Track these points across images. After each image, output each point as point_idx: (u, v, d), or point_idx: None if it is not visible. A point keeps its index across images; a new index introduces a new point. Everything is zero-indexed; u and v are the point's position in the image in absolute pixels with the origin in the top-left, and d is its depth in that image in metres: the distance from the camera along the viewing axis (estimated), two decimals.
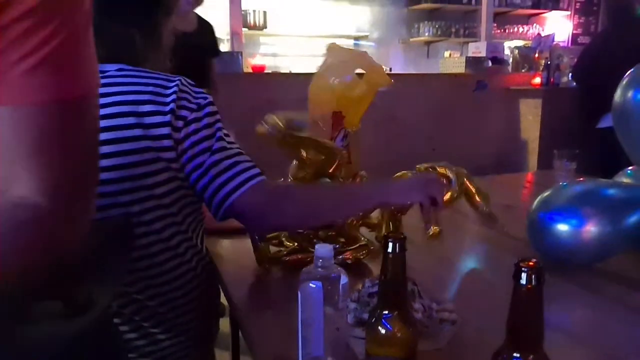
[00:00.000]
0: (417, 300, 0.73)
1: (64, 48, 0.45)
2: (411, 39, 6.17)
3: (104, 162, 0.82)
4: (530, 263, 0.46)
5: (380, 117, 2.72)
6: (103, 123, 0.82)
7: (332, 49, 1.23)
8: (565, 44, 6.36)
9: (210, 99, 0.91)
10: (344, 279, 0.63)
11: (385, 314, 0.56)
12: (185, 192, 0.91)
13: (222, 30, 5.06)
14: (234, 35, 3.66)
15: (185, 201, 0.93)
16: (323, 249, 0.63)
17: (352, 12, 5.87)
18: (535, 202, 1.10)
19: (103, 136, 0.81)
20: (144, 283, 0.91)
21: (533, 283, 0.45)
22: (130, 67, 0.90)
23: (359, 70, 1.22)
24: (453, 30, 6.09)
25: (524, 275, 0.45)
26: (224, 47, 4.97)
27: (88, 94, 0.48)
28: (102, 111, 0.82)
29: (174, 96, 0.86)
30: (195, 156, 0.86)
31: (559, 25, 6.53)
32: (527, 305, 0.46)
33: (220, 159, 0.86)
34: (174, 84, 0.88)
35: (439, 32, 6.03)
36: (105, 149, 0.82)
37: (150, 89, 0.87)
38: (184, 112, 0.86)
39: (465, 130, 3.52)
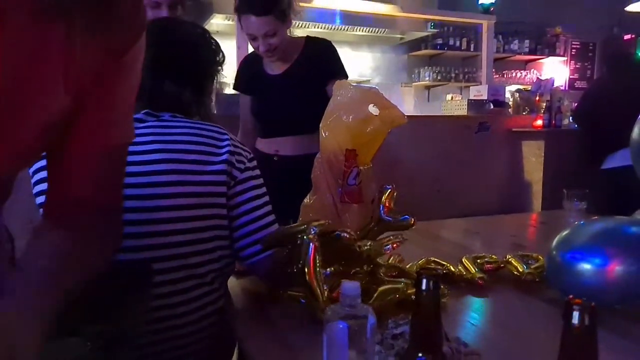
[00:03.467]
0: (445, 343, 0.69)
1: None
2: (412, 84, 6.29)
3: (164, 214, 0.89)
4: (579, 301, 0.43)
5: (383, 158, 2.71)
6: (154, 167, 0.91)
7: (342, 86, 1.23)
8: (563, 88, 6.48)
9: (252, 154, 1.06)
10: (372, 319, 0.59)
11: (419, 358, 0.52)
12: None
13: (228, 71, 5.17)
14: None
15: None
16: (350, 287, 0.59)
17: (354, 58, 6.00)
18: (555, 241, 1.08)
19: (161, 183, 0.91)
20: (161, 329, 0.89)
21: (586, 322, 0.42)
22: (182, 117, 1.00)
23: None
24: (453, 75, 6.22)
25: (576, 314, 0.42)
26: (229, 89, 5.05)
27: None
28: (156, 156, 0.91)
29: (226, 155, 0.97)
30: (243, 209, 1.00)
31: (555, 71, 6.68)
32: (581, 346, 0.43)
33: (259, 215, 1.02)
34: (225, 139, 0.99)
35: (439, 77, 6.16)
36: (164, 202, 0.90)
37: (203, 140, 0.97)
38: (235, 171, 0.98)
39: (469, 172, 3.52)
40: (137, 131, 0.90)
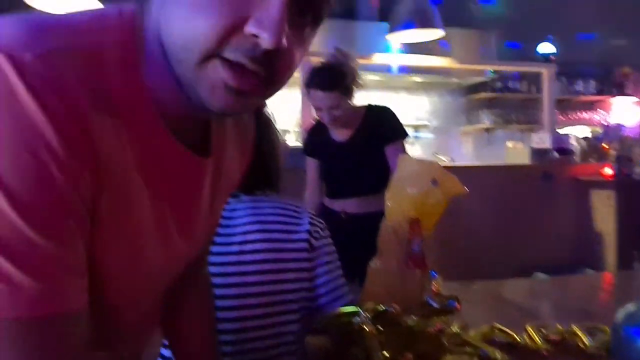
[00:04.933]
0: None
1: None
2: (471, 127, 6.26)
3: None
4: None
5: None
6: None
7: (405, 160, 1.32)
8: (636, 132, 6.20)
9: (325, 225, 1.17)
10: None
11: None
12: None
13: (292, 122, 5.40)
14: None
15: None
16: None
17: (410, 102, 6.09)
18: (620, 314, 1.07)
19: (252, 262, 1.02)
20: None
21: None
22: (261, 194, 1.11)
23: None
24: (514, 117, 6.12)
25: None
26: (292, 139, 5.27)
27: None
28: (251, 228, 1.03)
29: (307, 225, 1.09)
30: (325, 281, 1.10)
31: (625, 111, 6.41)
32: None
33: (338, 285, 1.14)
34: (304, 212, 1.11)
35: (498, 120, 6.08)
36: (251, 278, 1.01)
37: (288, 212, 1.09)
38: (313, 240, 1.09)
39: (533, 224, 3.43)
40: (231, 206, 1.06)
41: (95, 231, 0.46)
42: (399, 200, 1.29)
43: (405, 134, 1.96)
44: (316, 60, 1.96)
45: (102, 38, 0.46)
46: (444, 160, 4.96)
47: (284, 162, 3.28)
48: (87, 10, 0.49)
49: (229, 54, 0.43)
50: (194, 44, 0.43)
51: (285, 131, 5.37)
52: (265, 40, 0.42)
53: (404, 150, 1.94)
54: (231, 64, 0.44)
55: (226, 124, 0.66)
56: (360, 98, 2.01)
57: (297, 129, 4.75)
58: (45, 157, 0.39)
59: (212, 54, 0.44)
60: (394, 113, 1.98)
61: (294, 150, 3.41)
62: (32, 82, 0.39)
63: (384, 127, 1.92)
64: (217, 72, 0.44)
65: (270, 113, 1.27)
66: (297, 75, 4.07)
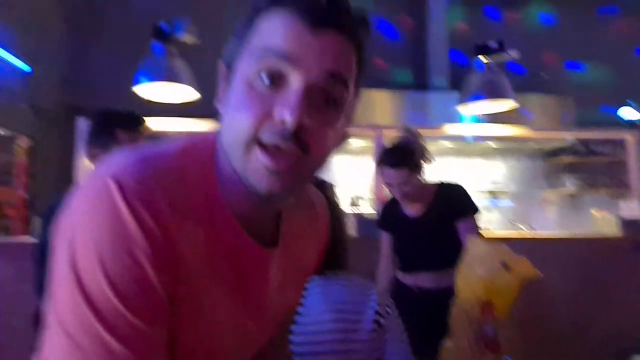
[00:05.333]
0: None
1: None
2: (552, 193, 6.00)
3: None
4: None
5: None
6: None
7: (473, 241, 1.37)
8: None
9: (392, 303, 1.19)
10: None
11: None
12: None
13: (365, 189, 5.52)
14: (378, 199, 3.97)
15: None
16: None
17: (485, 167, 6.00)
18: None
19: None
20: None
21: None
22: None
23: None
24: (599, 181, 5.81)
25: None
26: (366, 206, 5.37)
27: None
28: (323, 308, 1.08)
29: (373, 304, 1.11)
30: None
31: None
32: None
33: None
34: (372, 290, 1.13)
35: (583, 185, 5.80)
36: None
37: (350, 298, 1.12)
38: (381, 319, 1.11)
39: (624, 301, 3.18)
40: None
41: (174, 317, 0.57)
42: (469, 281, 1.33)
43: (477, 210, 2.00)
44: (389, 133, 2.09)
45: (187, 161, 0.61)
46: (524, 229, 4.78)
47: (358, 231, 3.36)
48: (182, 139, 0.65)
49: (265, 137, 0.55)
50: (238, 135, 0.56)
51: (359, 198, 5.49)
52: (289, 121, 0.53)
53: (475, 226, 1.98)
54: (268, 148, 0.55)
55: (297, 213, 0.75)
56: (434, 165, 2.09)
57: (370, 196, 4.84)
58: (139, 258, 0.52)
59: (252, 139, 0.55)
60: (464, 190, 2.04)
61: (367, 219, 3.50)
62: (131, 201, 0.52)
63: (455, 204, 1.98)
64: (258, 158, 0.56)
65: (336, 197, 1.35)
66: (370, 144, 4.23)
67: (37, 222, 4.22)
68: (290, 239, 0.72)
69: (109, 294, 0.50)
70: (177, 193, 0.57)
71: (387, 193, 2.20)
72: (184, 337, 0.59)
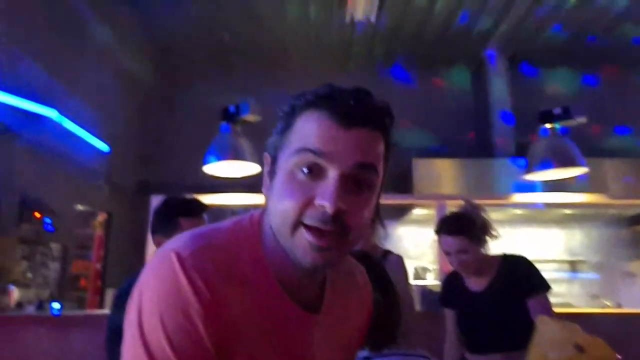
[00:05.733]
0: None
1: None
2: (639, 264, 5.52)
3: None
4: None
5: None
6: None
7: (543, 322, 1.28)
8: None
9: None
10: None
11: None
12: None
13: (430, 260, 5.36)
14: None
15: None
16: None
17: (562, 236, 5.66)
18: None
19: None
20: None
21: None
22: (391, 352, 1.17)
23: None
24: None
25: None
26: (431, 277, 5.19)
27: None
28: None
29: None
30: None
31: None
32: None
33: None
34: None
35: None
36: None
37: None
38: None
39: None
40: None
41: None
42: None
43: (548, 287, 1.85)
44: (453, 202, 2.03)
45: (236, 236, 0.70)
46: (609, 305, 4.38)
47: (422, 305, 3.22)
48: (231, 219, 0.74)
49: (308, 220, 0.63)
50: (284, 218, 0.64)
51: (425, 269, 5.32)
52: (328, 208, 0.62)
53: (549, 305, 1.82)
54: (311, 229, 0.63)
55: (339, 283, 0.80)
56: (504, 234, 1.98)
57: (435, 267, 4.68)
58: (193, 317, 0.60)
59: (297, 222, 0.64)
60: (531, 263, 1.91)
61: (432, 292, 3.36)
62: (188, 270, 0.62)
63: (521, 278, 1.85)
64: (304, 237, 0.64)
65: (405, 269, 1.34)
66: (433, 212, 4.16)
67: (109, 293, 4.43)
68: (333, 305, 0.77)
69: (166, 347, 0.59)
70: (227, 263, 0.65)
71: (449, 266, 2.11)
72: None
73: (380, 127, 0.67)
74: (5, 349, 2.76)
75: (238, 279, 0.65)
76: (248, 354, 0.65)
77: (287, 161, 0.65)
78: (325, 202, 0.62)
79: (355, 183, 0.65)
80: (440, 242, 1.94)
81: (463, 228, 1.87)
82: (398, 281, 2.09)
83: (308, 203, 0.63)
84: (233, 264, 0.66)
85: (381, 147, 0.68)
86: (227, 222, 0.72)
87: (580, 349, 1.19)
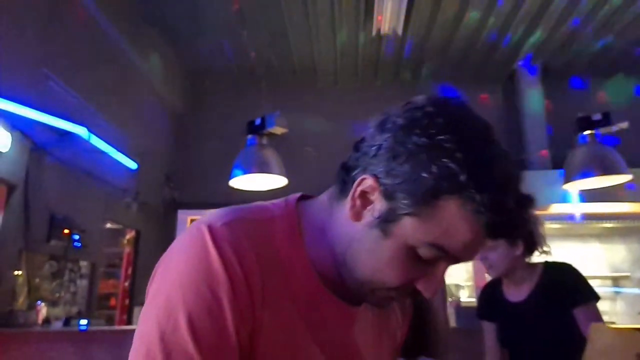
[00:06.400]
0: None
1: None
2: None
3: None
4: None
5: None
6: None
7: (599, 330, 1.15)
8: None
9: None
10: None
11: None
12: None
13: (464, 277, 5.17)
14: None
15: None
16: None
17: (604, 252, 5.40)
18: None
19: None
20: None
21: None
22: None
23: None
24: None
25: None
26: (465, 294, 4.99)
27: None
28: None
29: None
30: None
31: None
32: None
33: None
34: None
35: None
36: None
37: None
38: None
39: None
40: None
41: None
42: None
43: (596, 296, 1.70)
44: None
45: (273, 213, 0.64)
46: None
47: (457, 322, 3.08)
48: (263, 202, 0.68)
49: (394, 294, 0.61)
50: (376, 282, 0.60)
51: (459, 286, 5.13)
52: (426, 295, 0.59)
53: (597, 315, 1.67)
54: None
55: None
56: (554, 249, 1.85)
57: (470, 283, 4.50)
58: (219, 295, 0.54)
59: (387, 289, 0.60)
60: (577, 270, 1.76)
61: (466, 308, 3.20)
62: (218, 240, 0.56)
63: (567, 286, 1.70)
64: (388, 293, 0.61)
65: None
66: None
67: (137, 311, 4.41)
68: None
69: (184, 329, 0.52)
70: (263, 240, 0.60)
71: (486, 274, 1.97)
72: None
73: None
74: None
75: (273, 260, 0.59)
76: (279, 342, 0.58)
77: (414, 239, 0.56)
78: (427, 292, 0.59)
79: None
80: None
81: None
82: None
83: (408, 283, 0.60)
84: (269, 243, 0.60)
85: None
86: (257, 203, 0.67)
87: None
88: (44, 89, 3.34)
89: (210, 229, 0.57)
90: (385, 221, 0.57)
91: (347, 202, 0.61)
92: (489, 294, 1.95)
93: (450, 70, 5.67)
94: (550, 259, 1.84)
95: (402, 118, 0.58)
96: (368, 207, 0.59)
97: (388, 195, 0.57)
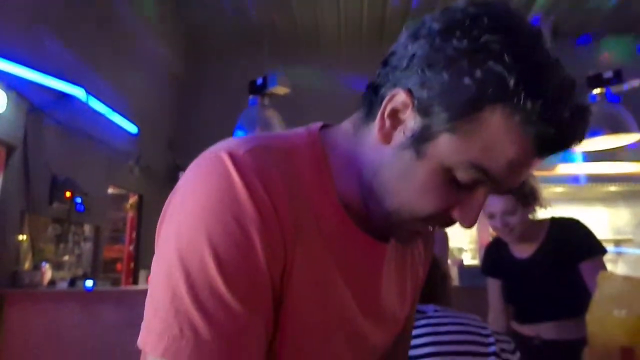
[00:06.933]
0: None
1: None
2: None
3: None
4: None
5: None
6: None
7: (607, 277, 1.13)
8: None
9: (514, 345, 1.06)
10: None
11: None
12: None
13: (467, 240, 5.18)
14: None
15: None
16: None
17: (608, 216, 5.39)
18: None
19: None
20: None
21: None
22: (442, 308, 1.08)
23: None
24: None
25: None
26: (468, 257, 5.01)
27: None
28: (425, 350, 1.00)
29: (493, 347, 1.00)
30: None
31: None
32: None
33: None
34: (488, 333, 1.03)
35: None
36: None
37: (470, 337, 1.01)
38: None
39: None
40: (414, 332, 1.00)
41: (282, 306, 0.52)
42: (603, 326, 1.08)
43: (603, 249, 1.68)
44: None
45: (296, 142, 0.58)
46: None
47: (460, 281, 3.08)
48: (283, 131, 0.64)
49: (432, 222, 0.55)
50: (408, 211, 0.54)
51: (461, 249, 5.14)
52: (464, 226, 0.54)
53: (603, 268, 1.65)
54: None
55: None
56: (547, 213, 1.82)
57: (472, 246, 4.51)
58: (248, 227, 0.47)
59: (421, 220, 0.54)
60: (584, 225, 1.72)
61: (469, 268, 3.21)
62: (242, 169, 0.49)
63: (573, 241, 1.67)
64: (415, 226, 0.55)
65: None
66: None
67: (142, 274, 4.45)
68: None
69: (213, 270, 0.46)
70: (289, 171, 0.53)
71: (491, 234, 1.95)
72: (287, 331, 0.53)
73: None
74: (38, 323, 2.78)
75: (300, 192, 0.53)
76: (310, 280, 0.53)
77: (451, 159, 0.49)
78: (464, 221, 0.53)
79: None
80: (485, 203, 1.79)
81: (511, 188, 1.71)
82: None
83: (444, 211, 0.53)
84: (295, 174, 0.53)
85: None
86: (279, 132, 0.62)
87: None
88: (40, 48, 3.26)
89: (233, 156, 0.49)
90: (419, 140, 0.50)
91: (376, 125, 0.54)
92: (495, 251, 1.93)
93: None
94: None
95: (439, 22, 0.50)
96: (399, 128, 0.52)
97: (423, 110, 0.50)
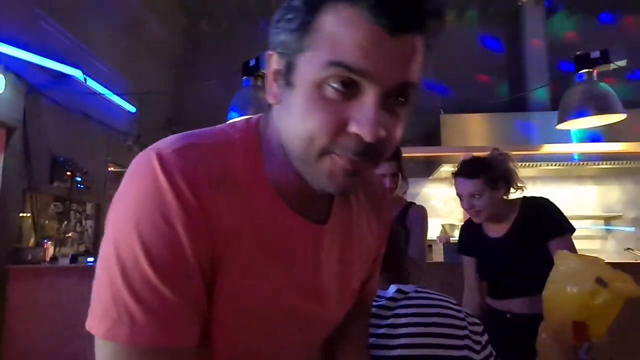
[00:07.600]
0: None
1: None
2: None
3: None
4: None
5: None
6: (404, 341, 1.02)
7: (563, 257, 1.22)
8: None
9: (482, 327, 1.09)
10: None
11: None
12: None
13: (455, 217, 5.28)
14: None
15: None
16: None
17: (598, 193, 5.47)
18: None
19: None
20: None
21: None
22: (422, 289, 1.11)
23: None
24: None
25: None
26: (457, 234, 5.10)
27: None
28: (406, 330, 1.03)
29: (467, 331, 1.03)
30: None
31: None
32: None
33: None
34: (462, 317, 1.05)
35: None
36: None
37: (449, 311, 1.05)
38: (476, 345, 1.03)
39: None
40: (395, 311, 1.06)
41: (215, 291, 0.57)
42: (558, 301, 1.18)
43: (571, 228, 1.77)
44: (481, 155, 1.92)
45: (232, 135, 0.61)
46: (639, 255, 4.23)
47: (446, 258, 3.15)
48: (223, 125, 0.65)
49: (340, 151, 0.53)
50: (310, 144, 0.54)
51: (453, 226, 5.25)
52: (366, 137, 0.51)
53: (571, 246, 1.75)
54: (342, 157, 0.54)
55: (356, 196, 0.74)
56: (537, 191, 1.88)
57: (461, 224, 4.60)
58: (174, 224, 0.52)
59: (326, 151, 0.54)
60: (553, 204, 1.81)
61: (454, 246, 3.30)
62: (167, 168, 0.53)
63: (543, 220, 1.76)
64: (335, 162, 0.54)
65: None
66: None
67: None
68: (345, 219, 0.70)
69: (142, 258, 0.51)
70: (217, 166, 0.57)
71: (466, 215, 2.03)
72: (222, 314, 0.58)
73: (432, 33, 0.53)
74: (43, 297, 2.90)
75: (229, 184, 0.57)
76: (242, 267, 0.58)
77: (312, 72, 0.52)
78: (362, 131, 0.51)
79: (395, 100, 0.54)
80: (455, 185, 1.88)
81: (479, 171, 1.79)
82: (414, 229, 2.07)
83: (340, 128, 0.52)
84: (224, 168, 0.57)
85: (423, 53, 0.54)
86: (217, 127, 0.64)
87: (602, 283, 1.14)
88: (37, 29, 3.30)
89: (159, 156, 0.54)
90: (287, 76, 0.55)
91: (268, 94, 0.59)
92: (469, 230, 2.02)
93: (454, 6, 5.54)
94: (530, 195, 1.90)
95: None
96: (279, 82, 0.57)
97: (281, 52, 0.56)
